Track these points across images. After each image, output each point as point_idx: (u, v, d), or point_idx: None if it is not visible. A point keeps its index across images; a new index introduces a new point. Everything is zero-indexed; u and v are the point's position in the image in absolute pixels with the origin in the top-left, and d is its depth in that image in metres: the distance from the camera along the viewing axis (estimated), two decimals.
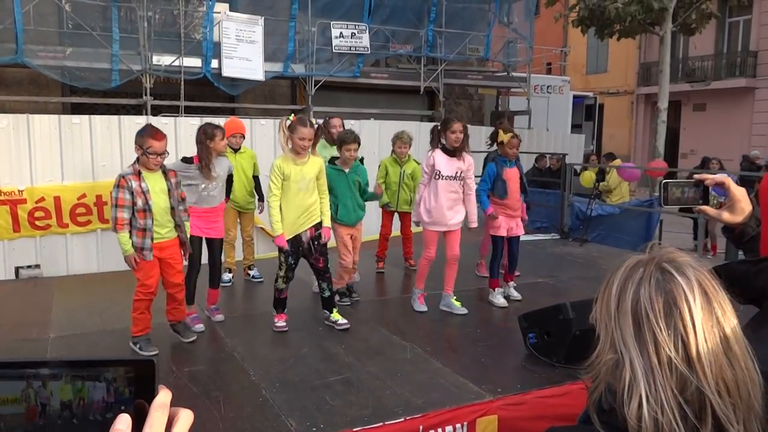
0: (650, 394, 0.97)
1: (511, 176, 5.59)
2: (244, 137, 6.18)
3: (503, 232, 5.57)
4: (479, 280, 6.30)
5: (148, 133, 4.26)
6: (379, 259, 6.76)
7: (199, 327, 4.88)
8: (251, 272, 6.43)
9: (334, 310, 4.97)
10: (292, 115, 4.71)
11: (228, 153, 5.77)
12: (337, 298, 5.28)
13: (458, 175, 5.18)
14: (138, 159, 4.29)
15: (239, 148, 6.02)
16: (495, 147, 5.74)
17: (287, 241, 4.71)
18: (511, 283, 5.80)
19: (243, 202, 6.09)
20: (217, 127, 5.06)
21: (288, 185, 4.64)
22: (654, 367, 0.98)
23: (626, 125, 24.60)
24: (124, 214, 4.19)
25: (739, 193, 1.51)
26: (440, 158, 5.17)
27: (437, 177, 5.16)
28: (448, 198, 5.17)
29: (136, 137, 4.30)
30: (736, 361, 0.98)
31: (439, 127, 5.27)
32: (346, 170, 5.43)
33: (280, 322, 4.90)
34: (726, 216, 1.52)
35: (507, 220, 5.58)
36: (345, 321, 4.91)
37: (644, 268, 1.05)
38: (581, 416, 1.17)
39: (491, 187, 5.55)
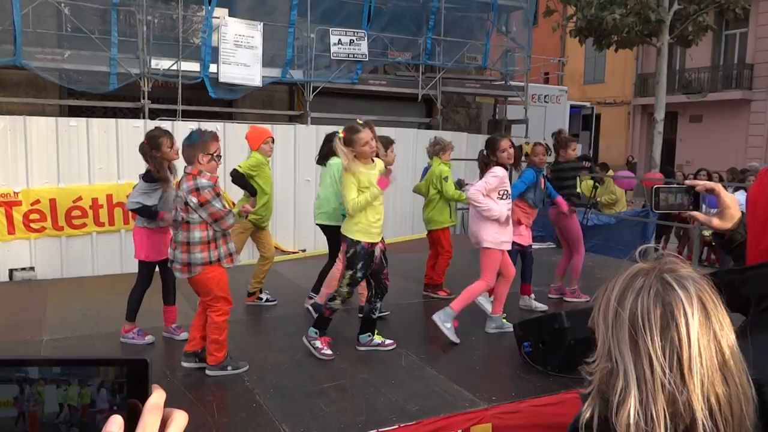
0: (641, 405, 0.97)
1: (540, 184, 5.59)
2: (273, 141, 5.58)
3: (529, 241, 5.53)
4: None
5: (211, 136, 3.94)
6: (439, 287, 6.12)
7: (149, 338, 4.67)
8: (263, 296, 5.78)
9: (376, 332, 4.66)
10: (340, 131, 4.31)
11: (266, 165, 5.37)
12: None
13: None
14: (200, 171, 3.89)
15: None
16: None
17: (365, 252, 4.28)
18: (531, 296, 5.75)
19: (267, 219, 5.56)
20: (165, 132, 4.61)
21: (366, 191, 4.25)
22: (647, 378, 0.98)
23: (623, 135, 24.69)
24: (229, 218, 3.92)
25: (729, 200, 1.53)
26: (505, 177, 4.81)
27: (504, 197, 4.84)
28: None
29: (198, 144, 3.89)
30: (731, 376, 0.99)
31: (486, 151, 4.90)
32: None
33: (327, 349, 4.37)
34: (716, 222, 1.54)
35: (527, 229, 5.53)
36: (391, 341, 4.64)
37: (645, 277, 1.05)
38: (572, 424, 1.17)
39: (524, 193, 5.44)
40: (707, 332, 0.99)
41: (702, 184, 1.59)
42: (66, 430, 0.65)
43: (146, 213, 4.51)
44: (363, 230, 4.28)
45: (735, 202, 1.53)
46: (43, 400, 0.65)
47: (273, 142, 5.52)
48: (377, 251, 4.38)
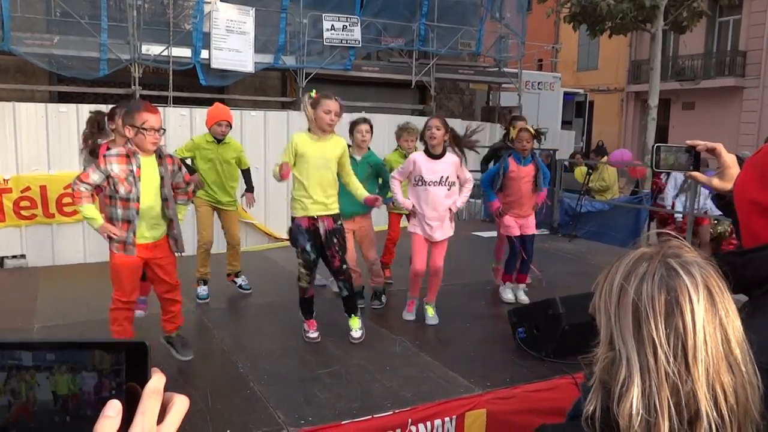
0: (644, 395, 0.94)
1: (524, 174, 5.31)
2: (230, 126, 5.43)
3: (515, 231, 5.35)
4: (480, 273, 6.22)
5: (140, 106, 3.68)
6: (385, 266, 5.96)
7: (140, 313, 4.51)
8: (238, 280, 5.71)
9: (353, 316, 4.47)
10: (314, 91, 4.27)
11: (210, 143, 5.30)
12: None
13: (443, 180, 4.69)
14: (128, 143, 3.69)
15: (222, 139, 5.34)
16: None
17: (301, 229, 4.20)
18: (522, 285, 5.54)
19: (221, 199, 5.41)
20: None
21: (306, 162, 4.19)
22: (650, 367, 0.95)
23: (616, 122, 24.71)
24: (82, 188, 3.62)
25: (730, 159, 1.51)
26: (421, 160, 4.66)
27: (418, 183, 4.72)
28: (434, 208, 4.72)
29: (125, 117, 3.75)
30: (737, 365, 0.95)
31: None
32: (358, 158, 5.11)
33: (312, 332, 4.39)
34: (716, 182, 1.53)
35: (515, 219, 5.39)
36: (359, 334, 4.43)
37: (648, 262, 1.01)
38: (570, 412, 1.15)
39: (491, 183, 5.38)
40: (713, 319, 0.96)
41: (703, 143, 1.56)
42: (62, 416, 0.62)
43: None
44: (299, 206, 4.26)
45: (735, 162, 1.51)
46: (35, 386, 0.62)
47: (230, 128, 5.41)
48: (321, 228, 4.24)
